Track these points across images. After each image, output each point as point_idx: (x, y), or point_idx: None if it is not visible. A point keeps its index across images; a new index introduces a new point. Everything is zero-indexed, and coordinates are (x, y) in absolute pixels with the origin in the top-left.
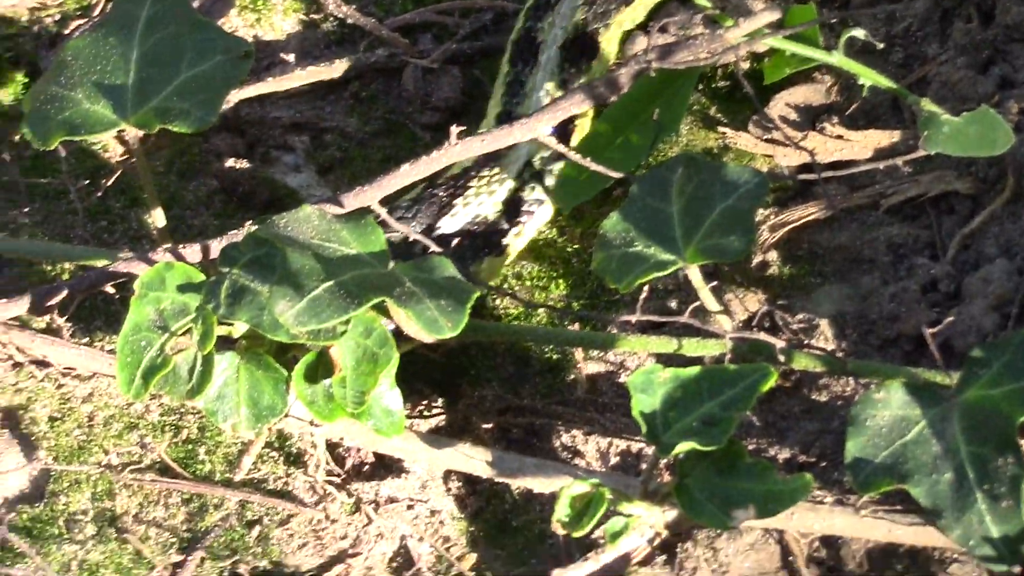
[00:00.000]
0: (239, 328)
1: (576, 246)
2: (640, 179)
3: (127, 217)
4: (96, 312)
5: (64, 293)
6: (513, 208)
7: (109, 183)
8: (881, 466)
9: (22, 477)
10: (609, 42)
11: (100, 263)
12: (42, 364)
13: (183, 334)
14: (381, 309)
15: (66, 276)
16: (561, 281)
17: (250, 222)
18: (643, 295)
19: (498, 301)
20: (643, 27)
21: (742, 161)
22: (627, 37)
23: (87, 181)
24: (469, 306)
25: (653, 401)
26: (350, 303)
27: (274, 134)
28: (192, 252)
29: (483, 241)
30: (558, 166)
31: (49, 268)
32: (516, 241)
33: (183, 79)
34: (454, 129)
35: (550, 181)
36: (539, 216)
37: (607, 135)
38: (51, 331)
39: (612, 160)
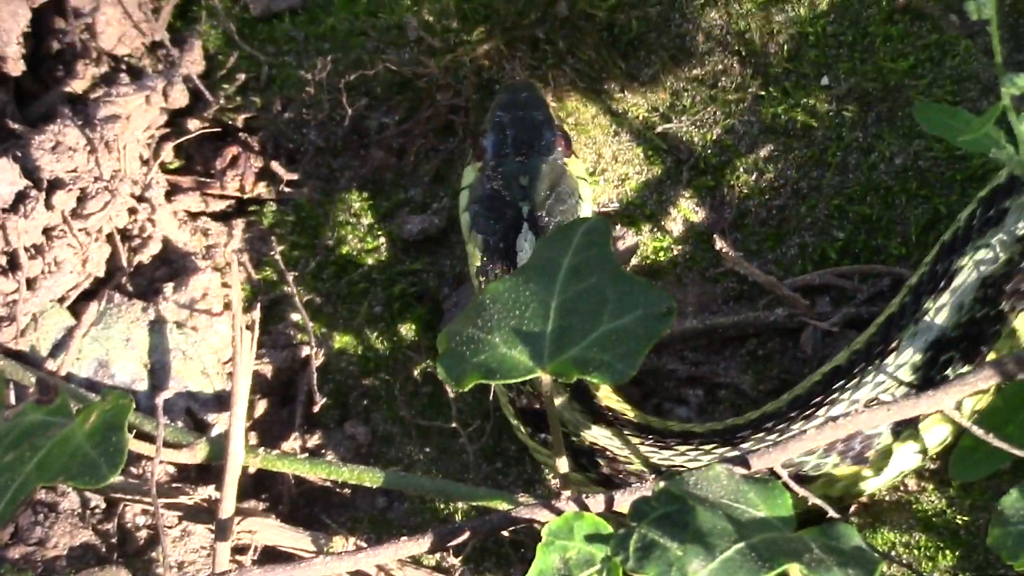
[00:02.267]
0: None
1: (965, 518)
2: None
3: (522, 460)
4: (486, 553)
5: (466, 535)
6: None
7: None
8: None
9: None
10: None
11: (500, 506)
12: None
13: None
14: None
15: (459, 515)
16: (949, 552)
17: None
18: None
19: (884, 567)
20: None
21: None
22: None
23: (479, 422)
24: None
25: None
26: (761, 566)
27: (669, 386)
28: (595, 502)
29: None
30: (940, 428)
31: (442, 506)
32: (870, 484)
33: (603, 331)
34: (862, 398)
35: (928, 439)
36: (901, 466)
37: (1006, 411)
38: (442, 570)
39: (1011, 436)
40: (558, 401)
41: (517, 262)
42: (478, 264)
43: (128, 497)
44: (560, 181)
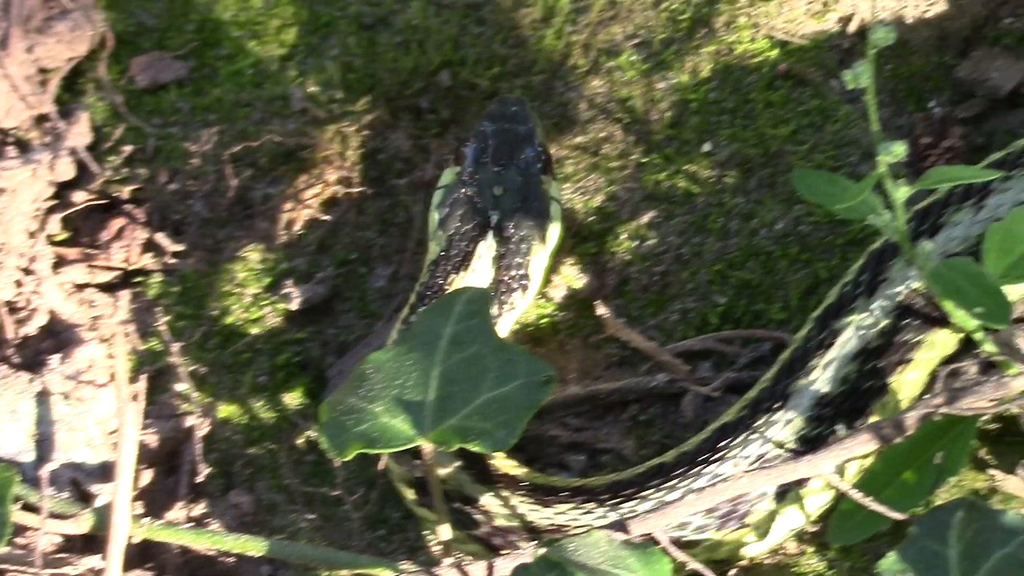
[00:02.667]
0: None
1: None
2: (919, 521)
3: (405, 527)
4: None
5: None
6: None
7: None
8: None
9: None
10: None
11: (383, 574)
12: None
13: None
14: None
15: None
16: None
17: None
18: None
19: None
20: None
21: (1009, 504)
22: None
23: (363, 490)
24: None
25: None
26: None
27: (551, 452)
28: (476, 569)
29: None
30: (824, 493)
31: (326, 574)
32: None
33: (484, 399)
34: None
35: (812, 504)
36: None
37: (885, 475)
38: None
39: (890, 500)
40: (448, 469)
41: (471, 267)
42: (433, 258)
43: (14, 568)
44: (533, 197)
